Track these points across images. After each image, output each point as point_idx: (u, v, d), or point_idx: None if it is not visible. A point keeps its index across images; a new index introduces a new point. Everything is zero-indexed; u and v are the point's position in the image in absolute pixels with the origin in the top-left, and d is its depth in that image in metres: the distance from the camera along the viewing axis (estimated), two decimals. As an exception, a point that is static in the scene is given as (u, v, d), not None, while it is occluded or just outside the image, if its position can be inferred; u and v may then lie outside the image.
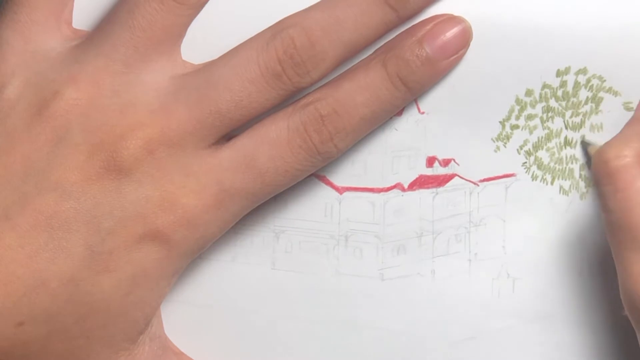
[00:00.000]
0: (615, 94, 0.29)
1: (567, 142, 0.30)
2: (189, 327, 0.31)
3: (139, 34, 0.28)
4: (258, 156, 0.28)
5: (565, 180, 0.30)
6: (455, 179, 0.30)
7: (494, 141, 0.30)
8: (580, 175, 0.30)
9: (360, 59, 0.29)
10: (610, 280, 0.30)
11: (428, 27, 0.28)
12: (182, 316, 0.31)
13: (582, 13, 0.29)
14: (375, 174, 0.30)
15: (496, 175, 0.30)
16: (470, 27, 0.29)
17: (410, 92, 0.28)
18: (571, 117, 0.30)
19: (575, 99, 0.30)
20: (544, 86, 0.29)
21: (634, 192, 0.26)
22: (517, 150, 0.30)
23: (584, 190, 0.30)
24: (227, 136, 0.28)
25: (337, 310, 0.30)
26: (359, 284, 0.30)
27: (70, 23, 0.29)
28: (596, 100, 0.30)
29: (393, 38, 0.29)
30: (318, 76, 0.28)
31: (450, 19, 0.28)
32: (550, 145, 0.30)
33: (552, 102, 0.30)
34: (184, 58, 0.29)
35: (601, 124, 0.30)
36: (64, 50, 0.28)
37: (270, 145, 0.28)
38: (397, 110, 0.29)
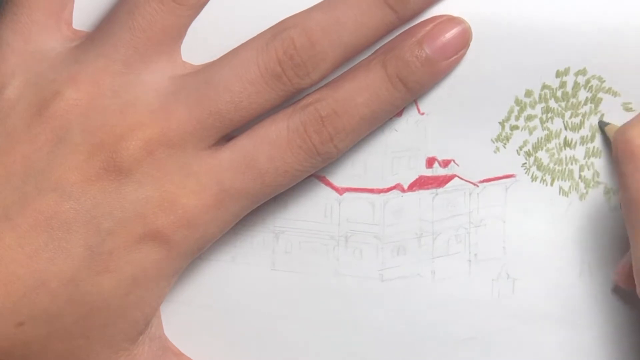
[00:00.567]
0: (615, 94, 0.29)
1: (567, 143, 0.30)
2: (188, 328, 0.31)
3: (139, 34, 0.28)
4: (258, 157, 0.28)
5: (565, 181, 0.30)
6: (455, 180, 0.30)
7: (493, 142, 0.30)
8: (580, 176, 0.30)
9: (360, 60, 0.29)
10: (609, 281, 0.30)
11: (428, 27, 0.28)
12: (182, 316, 0.31)
13: (581, 14, 0.29)
14: (375, 175, 0.30)
15: (496, 176, 0.30)
16: (469, 28, 0.29)
17: (410, 92, 0.28)
18: (571, 117, 0.30)
19: (574, 100, 0.30)
20: (544, 87, 0.29)
21: None
22: (517, 151, 0.30)
23: (584, 191, 0.30)
24: (227, 137, 0.28)
25: (336, 310, 0.30)
26: (358, 285, 0.30)
27: (70, 23, 0.29)
28: (595, 101, 0.30)
29: (393, 39, 0.29)
30: (318, 77, 0.28)
31: (449, 20, 0.28)
32: (549, 146, 0.30)
33: (552, 103, 0.30)
34: (184, 59, 0.29)
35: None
36: (64, 51, 0.28)
37: (270, 145, 0.28)
38: (397, 111, 0.29)
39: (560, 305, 0.30)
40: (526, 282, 0.30)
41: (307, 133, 0.28)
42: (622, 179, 0.27)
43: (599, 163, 0.30)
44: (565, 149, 0.30)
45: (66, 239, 0.26)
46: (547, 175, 0.30)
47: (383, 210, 0.30)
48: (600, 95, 0.29)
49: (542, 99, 0.30)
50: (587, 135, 0.30)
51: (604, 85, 0.29)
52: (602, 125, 0.29)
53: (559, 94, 0.30)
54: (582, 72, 0.29)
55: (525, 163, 0.30)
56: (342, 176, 0.30)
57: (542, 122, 0.30)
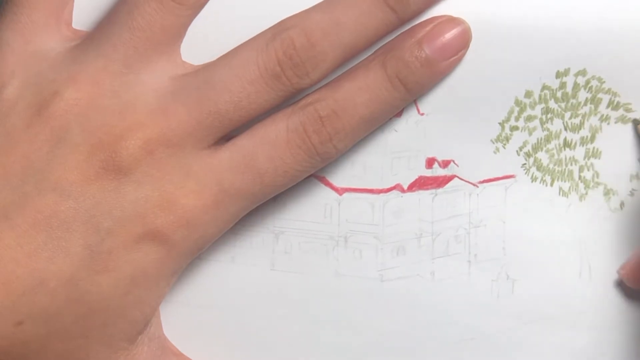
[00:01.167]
0: (615, 95, 0.29)
1: (567, 144, 0.30)
2: (188, 328, 0.31)
3: (138, 34, 0.28)
4: (257, 157, 0.28)
5: (565, 181, 0.30)
6: (455, 180, 0.30)
7: (493, 142, 0.30)
8: (580, 177, 0.30)
9: (360, 60, 0.29)
10: (609, 281, 0.30)
11: (428, 28, 0.28)
12: (181, 317, 0.31)
13: (581, 14, 0.29)
14: (375, 175, 0.30)
15: (496, 176, 0.30)
16: (469, 29, 0.29)
17: (409, 93, 0.28)
18: (570, 118, 0.30)
19: (574, 100, 0.30)
20: (544, 87, 0.29)
21: None
22: (517, 151, 0.30)
23: (584, 191, 0.30)
24: (227, 137, 0.28)
25: (336, 311, 0.30)
26: (358, 285, 0.30)
27: (70, 23, 0.29)
28: (595, 102, 0.30)
29: (393, 39, 0.29)
30: (317, 77, 0.28)
31: (449, 20, 0.28)
32: (549, 146, 0.30)
33: (552, 104, 0.30)
34: (183, 59, 0.29)
35: (600, 126, 0.30)
36: (63, 51, 0.28)
37: (270, 145, 0.28)
38: (396, 112, 0.29)
39: (559, 306, 0.30)
40: (526, 282, 0.30)
41: (306, 133, 0.28)
42: None
43: (599, 164, 0.30)
44: (565, 149, 0.30)
45: (65, 239, 0.26)
46: (546, 175, 0.30)
47: (383, 211, 0.30)
48: (600, 95, 0.29)
49: (542, 99, 0.30)
50: (587, 136, 0.30)
51: (603, 85, 0.29)
52: (635, 124, 0.29)
53: (559, 94, 0.30)
54: (582, 72, 0.29)
55: (525, 164, 0.30)
56: (342, 176, 0.30)
57: (542, 122, 0.30)
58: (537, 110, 0.30)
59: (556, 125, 0.30)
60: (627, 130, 0.30)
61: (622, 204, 0.30)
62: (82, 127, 0.27)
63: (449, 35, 0.28)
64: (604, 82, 0.29)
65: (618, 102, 0.29)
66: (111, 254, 0.27)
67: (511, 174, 0.30)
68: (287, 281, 0.30)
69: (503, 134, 0.30)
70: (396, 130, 0.30)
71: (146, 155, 0.27)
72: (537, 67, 0.29)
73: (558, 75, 0.29)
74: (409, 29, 0.29)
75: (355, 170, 0.30)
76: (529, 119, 0.30)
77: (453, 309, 0.30)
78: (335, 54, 0.28)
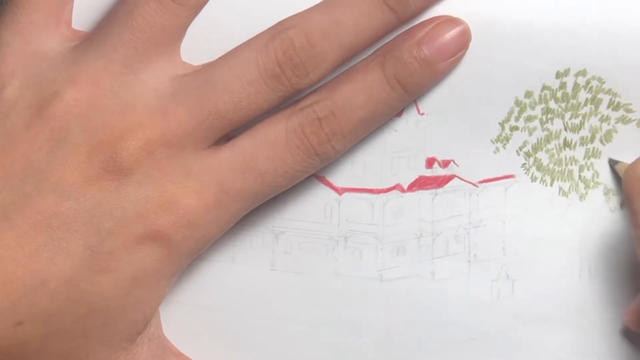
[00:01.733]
0: (615, 95, 0.29)
1: (567, 144, 0.30)
2: (188, 328, 0.31)
3: (138, 34, 0.28)
4: (257, 157, 0.28)
5: (565, 181, 0.30)
6: (455, 180, 0.30)
7: (493, 142, 0.30)
8: (580, 177, 0.30)
9: (359, 60, 0.29)
10: (609, 281, 0.30)
11: (427, 28, 0.28)
12: (181, 317, 0.31)
13: (581, 15, 0.29)
14: (375, 175, 0.30)
15: (495, 176, 0.30)
16: (469, 29, 0.29)
17: (408, 94, 0.28)
18: (571, 118, 0.30)
19: (574, 101, 0.30)
20: (544, 88, 0.29)
21: None
22: (517, 151, 0.30)
23: (583, 191, 0.30)
24: (226, 137, 0.28)
25: (336, 311, 0.30)
26: (358, 285, 0.30)
27: (69, 24, 0.29)
28: (595, 102, 0.30)
29: (391, 40, 0.29)
30: (317, 78, 0.28)
31: (449, 21, 0.28)
32: (549, 146, 0.30)
33: (552, 104, 0.30)
34: (183, 59, 0.29)
35: (600, 126, 0.30)
36: (63, 51, 0.28)
37: (269, 146, 0.28)
38: (395, 113, 0.29)
39: (559, 306, 0.30)
40: (526, 282, 0.30)
41: (304, 134, 0.28)
42: (633, 216, 0.27)
43: (599, 164, 0.30)
44: (565, 149, 0.30)
45: (66, 239, 0.26)
46: (546, 175, 0.30)
47: (382, 211, 0.30)
48: (600, 96, 0.29)
49: (542, 99, 0.30)
50: (587, 136, 0.30)
51: (604, 86, 0.29)
52: (612, 164, 0.29)
53: (559, 94, 0.30)
54: (582, 73, 0.29)
55: (525, 163, 0.30)
56: (342, 176, 0.30)
57: (542, 122, 0.30)
58: (537, 111, 0.30)
59: (556, 125, 0.30)
60: (628, 130, 0.30)
61: (622, 204, 0.30)
62: (82, 127, 0.27)
63: (448, 35, 0.28)
64: (604, 82, 0.29)
65: (618, 103, 0.29)
66: (112, 255, 0.27)
67: (511, 174, 0.30)
68: (287, 281, 0.30)
69: (503, 134, 0.30)
70: (396, 130, 0.30)
71: (146, 156, 0.27)
72: (537, 68, 0.29)
73: (558, 75, 0.29)
74: (407, 30, 0.29)
75: (355, 170, 0.30)
76: (529, 119, 0.30)
77: (453, 309, 0.30)
78: (335, 55, 0.28)
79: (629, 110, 0.30)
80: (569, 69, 0.29)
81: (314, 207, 0.30)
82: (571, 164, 0.30)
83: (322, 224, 0.30)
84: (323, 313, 0.30)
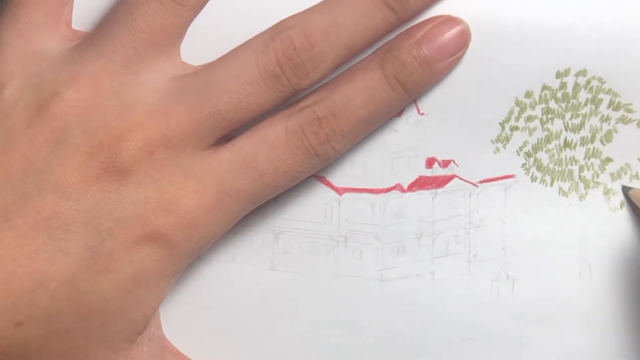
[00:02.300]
0: (615, 95, 0.29)
1: (567, 144, 0.30)
2: (187, 328, 0.31)
3: (138, 34, 0.28)
4: (257, 158, 0.28)
5: (565, 181, 0.30)
6: (455, 180, 0.30)
7: (493, 142, 0.30)
8: (580, 177, 0.30)
9: (359, 60, 0.29)
10: (609, 281, 0.30)
11: (426, 28, 0.28)
12: (181, 317, 0.31)
13: (581, 14, 0.29)
14: (375, 175, 0.30)
15: (496, 176, 0.30)
16: (468, 29, 0.29)
17: (407, 94, 0.28)
18: (571, 118, 0.30)
19: (575, 101, 0.30)
20: (544, 88, 0.29)
21: None
22: (517, 151, 0.30)
23: (584, 191, 0.30)
24: (226, 137, 0.28)
25: (336, 311, 0.30)
26: (358, 285, 0.30)
27: (69, 24, 0.29)
28: (596, 102, 0.30)
29: (391, 39, 0.29)
30: (317, 78, 0.28)
31: (448, 20, 0.28)
32: (549, 146, 0.30)
33: (552, 104, 0.30)
34: (183, 59, 0.29)
35: (601, 126, 0.30)
36: (63, 51, 0.28)
37: (270, 147, 0.28)
38: (395, 113, 0.29)
39: (559, 306, 0.30)
40: (526, 282, 0.30)
41: (304, 134, 0.28)
42: None
43: (599, 164, 0.30)
44: (565, 149, 0.30)
45: (66, 239, 0.26)
46: (547, 175, 0.30)
47: (383, 211, 0.30)
48: (600, 96, 0.29)
49: (543, 99, 0.30)
50: (587, 136, 0.30)
51: (604, 86, 0.29)
52: (625, 191, 0.29)
53: (559, 94, 0.29)
54: (583, 72, 0.29)
55: (525, 163, 0.30)
56: (342, 176, 0.30)
57: (542, 122, 0.30)
58: (538, 111, 0.30)
59: (556, 125, 0.30)
60: (628, 130, 0.30)
61: (622, 204, 0.30)
62: (82, 127, 0.27)
63: (448, 35, 0.28)
64: (605, 82, 0.29)
65: (619, 103, 0.29)
66: (112, 255, 0.27)
67: (511, 174, 0.30)
68: (287, 281, 0.30)
69: (503, 134, 0.30)
70: (396, 130, 0.30)
71: (146, 156, 0.27)
72: (538, 67, 0.29)
73: (558, 75, 0.29)
74: (407, 29, 0.29)
75: (355, 170, 0.30)
76: (529, 119, 0.30)
77: (453, 308, 0.30)
78: (335, 55, 0.28)
79: (629, 111, 0.30)
80: (569, 68, 0.29)
81: (314, 207, 0.30)
82: (571, 164, 0.30)
83: (322, 224, 0.30)
84: (323, 313, 0.30)
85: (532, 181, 0.30)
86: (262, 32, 0.28)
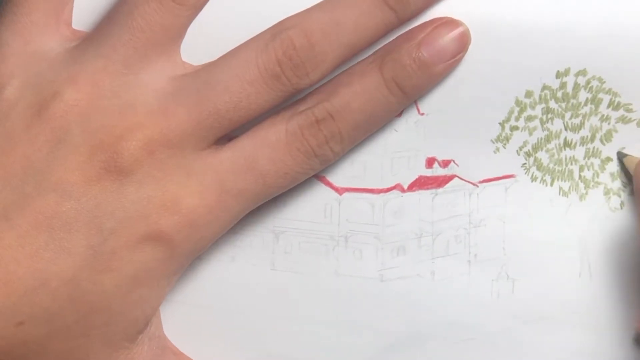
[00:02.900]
0: (615, 95, 0.29)
1: (567, 144, 0.30)
2: (188, 327, 0.31)
3: (138, 34, 0.28)
4: (258, 158, 0.28)
5: (565, 181, 0.30)
6: (455, 180, 0.30)
7: (493, 142, 0.30)
8: (580, 177, 0.30)
9: (360, 60, 0.29)
10: (609, 281, 0.30)
11: (426, 31, 0.28)
12: (181, 316, 0.31)
13: (581, 14, 0.29)
14: (375, 175, 0.30)
15: (496, 176, 0.30)
16: (468, 31, 0.29)
17: (406, 96, 0.28)
18: (571, 118, 0.30)
19: (574, 101, 0.30)
20: (544, 87, 0.29)
21: None
22: (517, 151, 0.30)
23: (584, 191, 0.30)
24: (226, 137, 0.28)
25: (336, 311, 0.30)
26: (358, 285, 0.30)
27: (69, 24, 0.29)
28: (596, 102, 0.30)
29: (390, 42, 0.29)
30: (317, 77, 0.28)
31: (448, 23, 0.28)
32: (549, 146, 0.30)
33: (552, 104, 0.30)
34: (183, 59, 0.29)
35: (601, 126, 0.30)
36: (63, 51, 0.28)
37: (270, 147, 0.28)
38: (394, 115, 0.29)
39: (560, 306, 0.30)
40: (526, 282, 0.30)
41: (304, 136, 0.28)
42: None
43: (599, 163, 0.30)
44: (565, 149, 0.30)
45: (67, 239, 0.26)
46: (547, 175, 0.30)
47: (383, 211, 0.30)
48: (600, 96, 0.29)
49: (542, 99, 0.30)
50: (587, 136, 0.30)
51: (604, 86, 0.29)
52: (620, 157, 0.29)
53: (559, 94, 0.30)
54: (583, 72, 0.29)
55: (525, 163, 0.30)
56: (342, 176, 0.30)
57: (542, 122, 0.30)
58: (538, 110, 0.30)
59: (556, 125, 0.30)
60: (628, 130, 0.30)
61: (622, 204, 0.30)
62: (82, 127, 0.27)
63: (448, 38, 0.28)
64: (605, 82, 0.29)
65: (619, 103, 0.29)
66: (114, 254, 0.27)
67: (511, 173, 0.30)
68: (287, 281, 0.30)
69: (503, 134, 0.30)
70: (396, 130, 0.30)
71: (147, 156, 0.27)
72: (538, 67, 0.29)
73: (558, 75, 0.29)
74: (406, 32, 0.29)
75: (355, 170, 0.30)
76: (529, 119, 0.30)
77: (453, 308, 0.30)
78: (335, 54, 0.28)
79: (629, 110, 0.30)
80: (569, 68, 0.29)
81: (314, 207, 0.30)
82: (571, 164, 0.30)
83: (322, 224, 0.30)
84: (323, 313, 0.30)
85: (532, 181, 0.30)
86: (262, 31, 0.28)
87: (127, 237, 0.27)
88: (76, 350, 0.27)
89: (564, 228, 0.30)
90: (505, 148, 0.30)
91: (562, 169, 0.30)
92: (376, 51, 0.29)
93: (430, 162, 0.30)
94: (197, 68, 0.28)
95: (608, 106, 0.30)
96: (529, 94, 0.29)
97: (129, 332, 0.28)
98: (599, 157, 0.30)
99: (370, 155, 0.30)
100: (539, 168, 0.30)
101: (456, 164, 0.30)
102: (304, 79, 0.28)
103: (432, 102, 0.30)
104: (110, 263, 0.27)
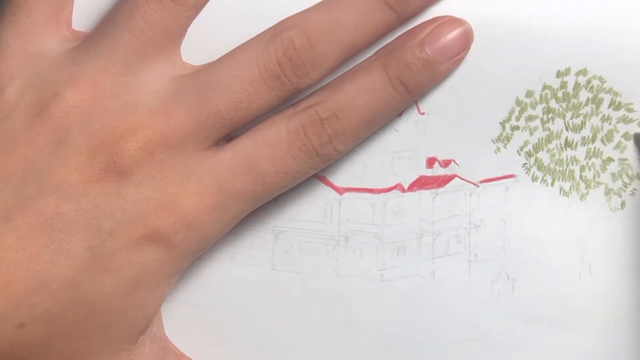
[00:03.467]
0: (616, 95, 0.29)
1: (568, 144, 0.30)
2: (188, 328, 0.31)
3: (138, 35, 0.28)
4: (258, 158, 0.28)
5: (566, 181, 0.30)
6: (456, 180, 0.30)
7: (494, 142, 0.30)
8: (581, 177, 0.30)
9: (360, 59, 0.29)
10: (609, 282, 0.30)
11: (429, 29, 0.28)
12: (182, 317, 0.31)
13: (582, 14, 0.29)
14: (375, 175, 0.30)
15: (496, 176, 0.30)
16: (471, 29, 0.29)
17: (410, 94, 0.28)
18: (572, 118, 0.30)
19: (575, 100, 0.29)
20: (545, 87, 0.29)
21: None
22: (518, 151, 0.30)
23: (584, 191, 0.30)
24: (227, 137, 0.28)
25: (336, 311, 0.30)
26: (358, 285, 0.30)
27: (69, 24, 0.29)
28: (597, 102, 0.29)
29: (393, 40, 0.29)
30: (317, 77, 0.28)
31: (451, 21, 0.28)
32: (550, 146, 0.30)
33: (553, 103, 0.30)
34: (183, 59, 0.29)
35: (601, 126, 0.30)
36: (63, 52, 0.28)
37: (271, 147, 0.28)
38: (397, 113, 0.29)
39: (560, 306, 0.30)
40: (526, 282, 0.30)
41: (306, 135, 0.28)
42: None
43: (600, 164, 0.30)
44: (566, 149, 0.30)
45: (67, 240, 0.26)
46: (547, 175, 0.30)
47: (383, 211, 0.30)
48: (601, 95, 0.29)
49: (543, 99, 0.29)
50: (588, 136, 0.30)
51: (605, 85, 0.29)
52: (637, 139, 0.29)
53: (559, 94, 0.29)
54: (583, 72, 0.29)
55: (526, 163, 0.30)
56: (342, 176, 0.30)
57: (543, 122, 0.30)
58: (538, 110, 0.30)
59: (557, 125, 0.30)
60: (629, 130, 0.30)
61: (623, 204, 0.30)
62: (82, 128, 0.27)
63: (451, 36, 0.28)
64: (605, 81, 0.29)
65: (619, 102, 0.29)
66: (113, 255, 0.27)
67: (512, 173, 0.30)
68: (287, 281, 0.31)
69: (504, 134, 0.30)
70: (396, 130, 0.30)
71: (147, 157, 0.27)
72: (538, 67, 0.29)
73: (559, 74, 0.29)
74: (409, 30, 0.28)
75: (355, 170, 0.30)
76: (530, 118, 0.30)
77: (453, 308, 0.30)
78: (335, 54, 0.28)
79: (630, 110, 0.29)
80: (569, 68, 0.29)
81: (314, 206, 0.30)
82: (572, 164, 0.30)
83: (322, 224, 0.30)
84: (323, 313, 0.30)
85: (532, 181, 0.30)
86: (262, 32, 0.28)
87: (126, 238, 0.27)
88: (77, 351, 0.27)
89: (564, 228, 0.30)
90: (506, 148, 0.30)
91: (563, 169, 0.30)
92: (379, 49, 0.29)
93: (430, 162, 0.30)
94: (197, 68, 0.28)
95: (609, 106, 0.29)
96: (529, 94, 0.29)
97: (129, 334, 0.28)
98: (600, 157, 0.30)
99: (371, 155, 0.30)
100: (539, 168, 0.30)
101: (457, 163, 0.30)
102: (304, 79, 0.28)
103: (433, 102, 0.30)
104: (110, 264, 0.27)
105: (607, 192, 0.30)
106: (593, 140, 0.30)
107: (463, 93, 0.29)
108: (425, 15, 0.29)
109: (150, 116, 0.27)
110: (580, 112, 0.30)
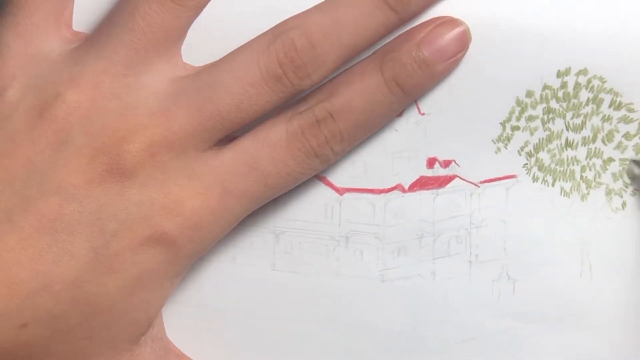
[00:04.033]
0: (617, 95, 0.29)
1: (568, 144, 0.30)
2: (189, 329, 0.31)
3: (139, 36, 0.28)
4: (260, 159, 0.28)
5: (566, 181, 0.30)
6: (456, 180, 0.30)
7: (494, 142, 0.30)
8: (582, 177, 0.30)
9: (360, 59, 0.29)
10: (610, 282, 0.30)
11: (426, 30, 0.28)
12: (182, 317, 0.31)
13: (582, 14, 0.29)
14: (376, 175, 0.30)
15: (497, 176, 0.30)
16: (469, 30, 0.29)
17: (406, 96, 0.28)
18: (572, 118, 0.30)
19: (576, 100, 0.29)
20: (545, 87, 0.29)
21: None
22: (518, 151, 0.30)
23: (585, 191, 0.30)
24: (228, 137, 0.28)
25: (336, 311, 0.31)
26: (359, 285, 0.30)
27: (70, 25, 0.29)
28: (597, 102, 0.29)
29: (390, 41, 0.29)
30: (318, 78, 0.28)
31: (448, 22, 0.28)
32: (551, 146, 0.30)
33: (553, 103, 0.30)
34: (184, 60, 0.29)
35: (602, 126, 0.30)
36: (64, 53, 0.28)
37: (272, 148, 0.28)
38: (394, 115, 0.29)
39: (560, 307, 0.30)
40: (527, 283, 0.30)
41: (304, 136, 0.28)
42: None
43: (601, 164, 0.30)
44: (566, 149, 0.30)
45: (70, 241, 0.26)
46: (548, 175, 0.30)
47: (384, 211, 0.30)
48: (601, 95, 0.29)
49: (543, 99, 0.29)
50: (588, 136, 0.30)
51: (605, 85, 0.29)
52: (632, 166, 0.29)
53: (560, 94, 0.29)
54: (583, 72, 0.29)
55: (527, 164, 0.30)
56: (343, 176, 0.30)
57: (543, 122, 0.30)
58: (539, 110, 0.30)
59: (558, 125, 0.30)
60: (629, 130, 0.30)
61: (624, 204, 0.30)
62: (84, 129, 0.27)
63: (448, 37, 0.28)
64: (606, 81, 0.29)
65: (620, 102, 0.29)
66: (117, 256, 0.27)
67: (512, 174, 0.30)
68: (287, 281, 0.31)
69: (504, 134, 0.30)
70: (397, 130, 0.30)
71: (149, 158, 0.27)
72: (538, 67, 0.29)
73: (559, 74, 0.29)
74: (407, 31, 0.28)
75: (356, 170, 0.30)
76: (530, 119, 0.30)
77: (454, 309, 0.30)
78: (336, 55, 0.28)
79: (630, 110, 0.29)
80: (570, 68, 0.29)
81: (314, 207, 0.30)
82: (573, 164, 0.30)
83: (323, 224, 0.30)
84: (323, 313, 0.31)
85: (533, 181, 0.30)
86: (263, 33, 0.28)
87: (130, 239, 0.27)
88: (79, 352, 0.27)
89: (565, 228, 0.30)
90: (506, 148, 0.30)
91: (563, 169, 0.30)
92: (376, 51, 0.29)
93: (431, 162, 0.30)
94: (198, 69, 0.29)
95: (609, 106, 0.29)
96: (529, 94, 0.29)
97: (131, 334, 0.28)
98: (601, 158, 0.30)
99: (371, 155, 0.30)
100: (540, 168, 0.30)
101: (457, 164, 0.30)
102: (305, 80, 0.28)
103: (433, 102, 0.30)
104: (113, 265, 0.27)
105: (608, 192, 0.30)
106: (594, 140, 0.30)
107: (463, 93, 0.29)
108: (425, 16, 0.29)
109: (151, 117, 0.27)
110: (581, 112, 0.30)
